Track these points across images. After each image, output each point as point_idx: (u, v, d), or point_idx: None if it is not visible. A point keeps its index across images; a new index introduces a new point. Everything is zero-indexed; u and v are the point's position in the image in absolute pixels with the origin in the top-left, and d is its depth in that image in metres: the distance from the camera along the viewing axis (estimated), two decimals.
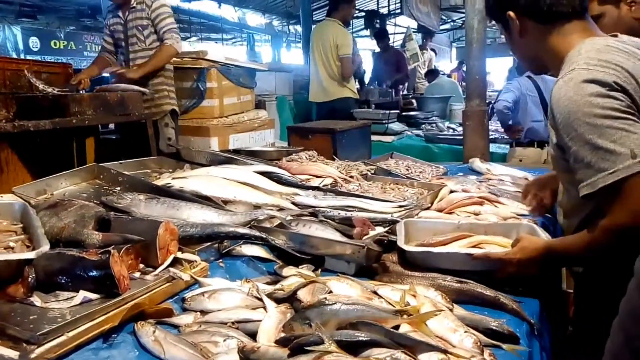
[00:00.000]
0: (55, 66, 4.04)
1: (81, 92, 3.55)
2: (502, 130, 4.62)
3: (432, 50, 10.91)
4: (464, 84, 8.98)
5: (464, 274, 1.55)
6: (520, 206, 2.31)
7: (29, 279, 1.32)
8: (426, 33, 10.03)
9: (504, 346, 1.23)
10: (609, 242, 1.33)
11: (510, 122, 4.36)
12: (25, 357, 1.09)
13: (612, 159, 1.26)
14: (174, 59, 4.21)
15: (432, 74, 9.11)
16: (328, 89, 5.50)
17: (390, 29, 10.08)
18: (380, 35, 8.12)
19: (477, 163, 3.38)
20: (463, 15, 11.27)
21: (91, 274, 1.32)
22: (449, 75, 10.78)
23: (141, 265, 1.51)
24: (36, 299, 1.29)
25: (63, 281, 1.34)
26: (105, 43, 4.07)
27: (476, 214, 2.21)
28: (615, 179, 1.26)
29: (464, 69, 12.62)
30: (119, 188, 2.21)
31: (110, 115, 3.06)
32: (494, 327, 1.28)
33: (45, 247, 1.38)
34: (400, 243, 1.67)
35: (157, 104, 3.79)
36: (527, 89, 4.32)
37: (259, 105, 4.97)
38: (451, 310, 1.34)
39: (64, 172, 2.22)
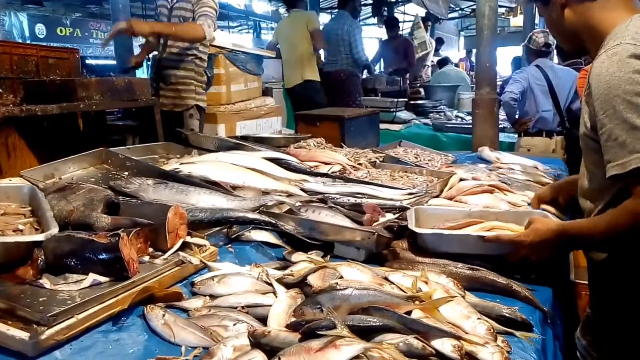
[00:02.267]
0: (63, 52, 4.01)
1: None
2: (510, 123, 4.58)
3: (439, 38, 10.81)
4: (472, 73, 8.92)
5: (475, 259, 1.53)
6: (531, 194, 2.29)
7: (39, 261, 1.32)
8: (425, 21, 9.89)
9: (517, 333, 1.21)
10: (633, 225, 1.28)
11: (517, 116, 4.32)
12: (36, 338, 1.09)
13: None
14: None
15: (442, 62, 9.03)
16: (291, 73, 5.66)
17: (398, 17, 9.97)
18: (390, 24, 8.03)
19: (486, 151, 3.35)
20: (471, 3, 11.15)
21: (100, 256, 1.31)
22: (457, 65, 10.67)
23: (150, 249, 1.51)
24: (46, 281, 1.28)
25: (72, 264, 1.33)
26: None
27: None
28: None
29: (472, 58, 12.53)
30: (127, 173, 2.20)
31: (117, 101, 3.04)
32: (507, 315, 1.27)
33: (54, 230, 1.38)
34: (412, 226, 1.66)
35: (182, 96, 3.69)
36: (536, 79, 4.26)
37: (266, 92, 4.93)
38: (463, 297, 1.33)
39: (72, 156, 2.21)
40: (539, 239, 1.45)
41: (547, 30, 4.31)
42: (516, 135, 4.54)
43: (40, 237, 1.34)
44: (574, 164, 3.29)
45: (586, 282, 2.55)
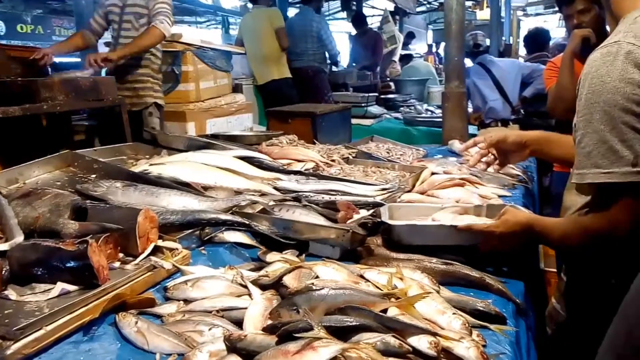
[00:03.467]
0: (24, 50, 3.88)
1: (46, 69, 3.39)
2: None
3: (410, 32, 10.89)
4: (440, 66, 9.02)
5: (449, 251, 1.56)
6: (502, 189, 2.35)
7: (3, 271, 1.27)
8: (394, 15, 9.92)
9: (492, 327, 1.23)
10: (581, 240, 1.29)
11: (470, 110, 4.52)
12: (2, 353, 1.05)
13: (612, 159, 1.15)
14: None
15: (406, 58, 9.09)
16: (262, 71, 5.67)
17: (366, 11, 10.00)
18: (358, 21, 8.05)
19: (456, 144, 3.39)
20: None
21: (69, 264, 1.27)
22: (426, 59, 10.77)
23: (121, 255, 1.47)
24: (11, 293, 1.24)
25: (39, 273, 1.29)
26: (94, 22, 3.81)
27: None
28: (605, 181, 1.16)
29: (435, 50, 12.65)
30: (94, 176, 2.14)
31: (82, 101, 2.96)
32: (481, 308, 1.29)
33: (19, 238, 1.33)
34: (385, 218, 1.68)
35: (140, 94, 3.64)
36: (478, 75, 4.57)
37: (236, 89, 4.88)
38: (438, 292, 1.34)
39: (37, 160, 2.14)
40: (507, 230, 1.47)
41: (475, 32, 4.65)
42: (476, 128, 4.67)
43: (4, 246, 1.30)
44: None
45: (555, 270, 2.63)
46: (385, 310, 1.16)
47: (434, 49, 13.70)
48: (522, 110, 4.54)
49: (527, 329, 1.39)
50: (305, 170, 2.50)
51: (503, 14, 9.97)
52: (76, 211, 1.58)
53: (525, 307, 1.43)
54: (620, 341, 0.86)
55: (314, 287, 1.20)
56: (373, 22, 9.91)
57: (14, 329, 1.08)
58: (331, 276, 1.35)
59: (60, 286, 1.25)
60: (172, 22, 3.57)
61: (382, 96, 6.46)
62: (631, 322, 0.85)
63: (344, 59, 8.55)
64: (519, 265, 1.61)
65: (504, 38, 11.12)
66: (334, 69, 6.95)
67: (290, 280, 1.33)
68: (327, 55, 6.21)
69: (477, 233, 1.53)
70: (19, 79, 2.91)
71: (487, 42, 5.31)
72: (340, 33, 13.49)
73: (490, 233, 1.50)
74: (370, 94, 5.65)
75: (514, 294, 1.44)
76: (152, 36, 3.50)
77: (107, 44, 4.03)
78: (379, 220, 1.75)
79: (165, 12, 3.53)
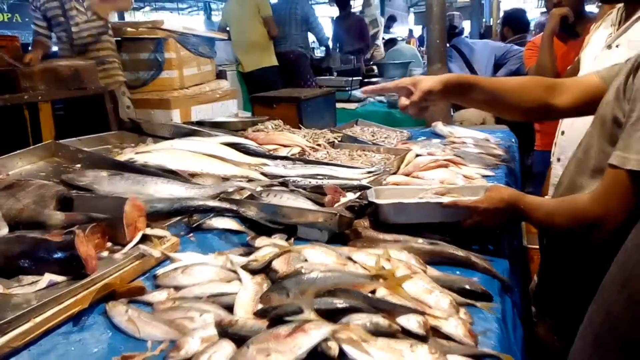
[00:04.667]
0: (1, 39, 3.80)
1: None
2: None
3: (391, 16, 10.84)
4: (422, 49, 9.00)
5: (435, 229, 1.58)
6: (485, 169, 2.38)
7: None
8: None
9: (478, 304, 1.25)
10: (567, 224, 1.30)
11: None
12: None
13: None
14: (128, 29, 4.04)
15: (390, 42, 9.06)
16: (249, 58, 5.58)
17: None
18: (341, 3, 7.98)
19: (439, 126, 3.41)
20: None
21: (56, 256, 1.26)
22: (409, 42, 10.75)
23: (109, 244, 1.46)
24: None
25: (26, 265, 1.28)
26: (37, 27, 3.74)
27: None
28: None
29: (415, 35, 12.60)
30: (79, 165, 2.12)
31: (64, 90, 2.92)
32: (468, 287, 1.30)
33: (4, 230, 1.32)
34: (372, 198, 1.70)
35: (111, 74, 3.64)
36: (449, 57, 4.48)
37: (220, 75, 4.83)
38: (425, 271, 1.36)
39: (19, 150, 2.11)
40: (491, 207, 1.48)
41: (452, 14, 4.65)
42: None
43: None
44: (513, 132, 3.44)
45: (537, 247, 2.68)
46: (374, 291, 1.18)
47: (417, 33, 13.63)
48: None
49: (513, 305, 1.42)
50: (292, 155, 2.50)
51: None
52: (62, 201, 1.57)
53: (510, 284, 1.46)
54: (599, 319, 0.88)
55: (304, 271, 1.21)
56: (355, 7, 9.84)
57: (1, 322, 1.07)
58: (320, 259, 1.36)
59: (48, 277, 1.25)
60: None
61: (366, 80, 6.45)
62: (609, 301, 0.86)
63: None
64: (503, 243, 1.64)
65: (484, 20, 11.14)
66: (318, 53, 6.90)
67: (279, 265, 1.34)
68: (310, 39, 6.17)
69: (462, 209, 1.55)
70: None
71: (464, 23, 5.35)
72: (323, 18, 13.39)
73: (474, 208, 1.51)
74: (354, 78, 5.63)
75: (499, 271, 1.46)
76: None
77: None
78: (365, 202, 1.76)
79: None
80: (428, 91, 1.52)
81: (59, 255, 1.26)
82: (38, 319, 1.13)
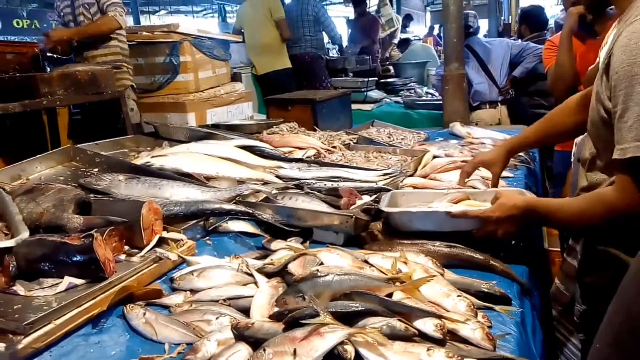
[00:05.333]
0: (21, 46, 3.87)
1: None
2: None
3: (407, 15, 10.79)
4: (439, 48, 8.95)
5: (446, 237, 1.54)
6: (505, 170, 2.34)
7: (10, 267, 1.28)
8: None
9: (497, 308, 1.24)
10: (606, 218, 1.25)
11: None
12: (12, 348, 1.06)
13: None
14: (144, 33, 4.08)
15: (404, 42, 9.01)
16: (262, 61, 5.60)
17: None
18: (356, 1, 7.96)
19: (457, 127, 3.38)
20: None
21: (75, 259, 1.28)
22: (424, 41, 10.69)
23: (126, 247, 1.48)
24: (19, 288, 1.25)
25: (46, 268, 1.30)
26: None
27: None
28: None
29: (434, 33, 12.56)
30: (96, 169, 2.15)
31: (82, 95, 2.95)
32: (486, 290, 1.29)
33: (25, 234, 1.34)
34: (383, 206, 1.67)
35: (117, 77, 3.69)
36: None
37: (235, 77, 4.86)
38: (442, 275, 1.35)
39: (38, 155, 2.14)
40: (504, 215, 1.41)
41: (466, 13, 4.57)
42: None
43: (10, 242, 1.31)
44: None
45: (558, 250, 2.63)
46: (390, 295, 1.17)
47: (435, 32, 13.54)
48: (510, 91, 4.47)
49: (532, 309, 1.40)
50: (307, 157, 2.50)
51: None
52: (80, 205, 1.58)
53: (529, 287, 1.44)
54: (618, 319, 0.86)
55: (319, 274, 1.21)
56: (370, 7, 9.81)
57: (24, 323, 1.09)
58: (336, 262, 1.36)
59: (68, 280, 1.26)
60: (125, 12, 3.79)
61: (382, 80, 6.43)
62: (629, 301, 0.85)
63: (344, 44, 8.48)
64: (522, 249, 1.60)
65: (502, 18, 11.01)
66: (333, 54, 6.89)
67: (295, 268, 1.34)
68: (324, 40, 6.16)
69: (472, 219, 1.49)
70: (17, 74, 2.90)
71: (481, 22, 5.25)
72: (337, 18, 13.39)
73: (486, 218, 1.45)
74: (370, 79, 5.61)
75: (518, 274, 1.44)
76: (106, 24, 3.66)
77: None
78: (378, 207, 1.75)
79: (116, 3, 3.69)
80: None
81: (78, 258, 1.28)
82: (58, 321, 1.15)
